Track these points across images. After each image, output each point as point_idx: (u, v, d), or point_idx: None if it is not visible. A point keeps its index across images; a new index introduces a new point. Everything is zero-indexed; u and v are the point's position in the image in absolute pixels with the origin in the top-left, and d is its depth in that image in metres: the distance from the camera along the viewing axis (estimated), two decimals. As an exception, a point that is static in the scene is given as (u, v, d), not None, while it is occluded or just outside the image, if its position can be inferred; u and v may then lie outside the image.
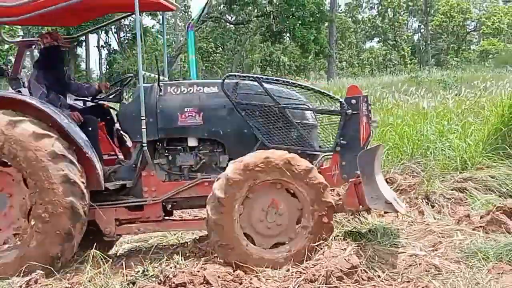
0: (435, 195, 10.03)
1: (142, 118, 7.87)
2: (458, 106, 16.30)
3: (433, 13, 76.96)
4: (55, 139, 7.48)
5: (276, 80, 8.44)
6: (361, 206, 7.34)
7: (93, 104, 9.10)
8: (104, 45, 65.16)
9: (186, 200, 8.21)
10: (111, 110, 9.16)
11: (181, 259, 7.02)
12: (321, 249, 6.84)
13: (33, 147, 7.38)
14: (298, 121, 8.13)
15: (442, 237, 7.91)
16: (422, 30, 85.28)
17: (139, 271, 6.58)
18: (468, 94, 18.11)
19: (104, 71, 62.45)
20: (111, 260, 7.13)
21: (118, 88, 8.84)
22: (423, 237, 8.15)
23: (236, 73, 8.91)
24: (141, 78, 7.96)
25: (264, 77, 8.53)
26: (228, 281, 6.18)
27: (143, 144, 7.91)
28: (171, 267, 6.71)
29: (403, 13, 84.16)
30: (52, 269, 7.25)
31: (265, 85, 8.12)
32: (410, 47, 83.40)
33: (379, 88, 22.04)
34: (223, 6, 42.74)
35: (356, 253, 6.67)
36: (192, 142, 8.23)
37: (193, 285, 6.01)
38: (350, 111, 7.84)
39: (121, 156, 8.77)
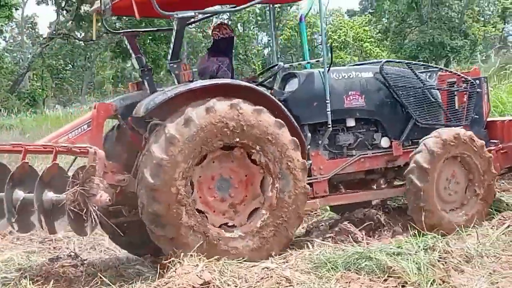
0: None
1: (327, 101, 8.70)
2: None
3: (282, 28, 78.43)
4: (286, 128, 7.96)
5: (416, 65, 10.26)
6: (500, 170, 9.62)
7: None
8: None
9: (346, 176, 9.10)
10: None
11: (29, 283, 6.82)
12: (174, 266, 6.81)
13: (275, 134, 7.81)
14: (436, 100, 9.59)
15: (293, 248, 8.04)
16: (271, 45, 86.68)
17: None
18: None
19: None
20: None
21: (270, 75, 9.29)
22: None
23: (391, 59, 11.15)
24: (325, 64, 8.79)
25: (413, 62, 10.45)
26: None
27: (328, 125, 8.72)
28: (19, 292, 6.51)
29: (253, 28, 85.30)
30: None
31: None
32: (260, 61, 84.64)
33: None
34: (71, 23, 42.02)
35: (208, 269, 6.67)
36: (350, 122, 9.16)
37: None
38: (479, 90, 9.82)
39: None
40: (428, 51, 48.06)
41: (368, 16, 71.52)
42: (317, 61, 9.45)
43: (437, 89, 9.67)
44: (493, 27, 61.04)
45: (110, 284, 7.05)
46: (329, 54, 8.87)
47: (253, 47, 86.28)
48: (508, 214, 8.84)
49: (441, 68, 10.56)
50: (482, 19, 62.04)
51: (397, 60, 10.36)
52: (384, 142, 9.29)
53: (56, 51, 55.70)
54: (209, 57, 8.89)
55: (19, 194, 6.86)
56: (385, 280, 6.45)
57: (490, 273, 6.53)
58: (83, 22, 40.81)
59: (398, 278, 6.41)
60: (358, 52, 69.81)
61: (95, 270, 7.52)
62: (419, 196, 8.52)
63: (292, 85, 9.06)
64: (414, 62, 11.19)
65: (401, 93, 9.34)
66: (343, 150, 9.07)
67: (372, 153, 9.16)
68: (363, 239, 8.24)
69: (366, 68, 9.56)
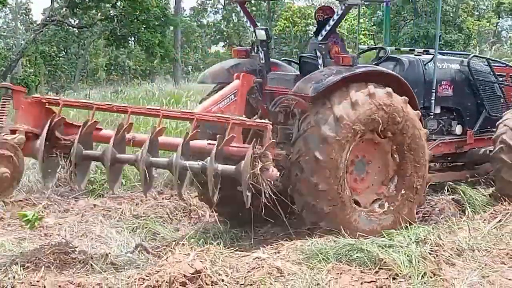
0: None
1: (433, 90, 9.77)
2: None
3: (276, 18, 78.27)
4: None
5: (490, 59, 11.61)
6: None
7: None
8: None
9: None
10: None
11: (20, 270, 6.79)
12: (165, 255, 6.80)
13: (418, 126, 8.54)
14: (502, 94, 10.98)
15: (285, 239, 8.04)
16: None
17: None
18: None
19: None
20: None
21: (375, 58, 10.17)
22: (267, 239, 8.27)
23: (476, 54, 13.05)
24: (436, 53, 9.97)
25: (492, 58, 12.14)
26: (69, 291, 6.03)
27: (431, 113, 9.87)
28: (9, 278, 6.47)
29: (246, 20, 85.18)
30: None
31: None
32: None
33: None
34: (66, 10, 41.81)
35: (200, 258, 6.66)
36: (437, 109, 10.05)
37: (33, 295, 5.84)
38: None
39: None
40: (422, 44, 47.93)
41: (363, 9, 71.49)
42: (425, 51, 10.84)
43: (502, 83, 11.08)
44: (487, 22, 60.96)
45: (101, 271, 7.04)
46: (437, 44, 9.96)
47: (247, 37, 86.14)
48: (500, 208, 8.86)
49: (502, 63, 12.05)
50: (477, 13, 61.97)
51: (482, 56, 12.27)
52: (458, 129, 10.44)
53: (50, 38, 55.31)
54: (317, 38, 9.02)
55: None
56: (376, 272, 6.46)
57: (481, 266, 6.55)
58: (78, 9, 40.57)
59: (389, 270, 6.42)
60: (352, 45, 69.76)
61: (86, 258, 7.48)
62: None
63: (396, 70, 9.60)
64: (493, 58, 12.89)
65: (480, 86, 10.65)
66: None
67: (449, 139, 10.26)
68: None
69: (454, 60, 10.78)
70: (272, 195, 7.17)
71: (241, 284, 6.35)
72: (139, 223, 9.05)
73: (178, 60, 54.20)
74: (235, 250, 7.46)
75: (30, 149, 7.33)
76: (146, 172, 7.18)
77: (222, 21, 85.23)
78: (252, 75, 9.08)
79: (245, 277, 6.51)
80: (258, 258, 7.00)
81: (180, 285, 6.01)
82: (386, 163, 8.67)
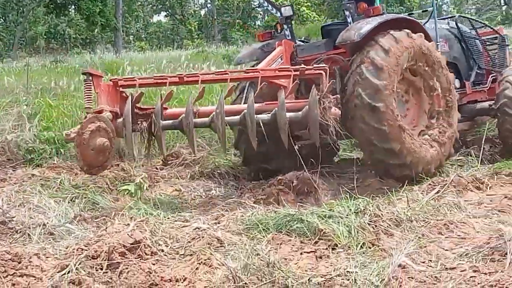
0: (220, 168, 10.18)
1: (437, 43, 10.82)
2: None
3: (219, -11, 77.88)
4: None
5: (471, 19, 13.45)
6: None
7: None
8: None
9: None
10: None
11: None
12: (104, 225, 6.75)
13: (444, 67, 10.04)
14: (486, 50, 12.33)
15: (225, 210, 8.05)
16: (208, 5, 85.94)
17: None
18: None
19: None
20: None
21: None
22: (207, 210, 8.26)
23: (463, 15, 14.74)
24: (435, 13, 11.19)
25: (473, 18, 13.79)
26: (6, 260, 5.91)
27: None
28: None
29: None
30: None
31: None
32: (197, 22, 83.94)
33: (166, 62, 21.95)
34: (4, -24, 40.97)
35: (139, 228, 6.62)
36: None
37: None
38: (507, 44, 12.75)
39: None
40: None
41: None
42: (424, 11, 12.49)
43: (486, 41, 12.49)
44: (428, -4, 61.69)
45: (39, 241, 6.96)
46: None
47: (189, 8, 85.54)
48: (438, 179, 8.99)
49: (485, 25, 13.89)
50: (418, -13, 62.59)
51: (467, 16, 14.12)
52: (457, 83, 11.21)
53: (-12, 5, 54.29)
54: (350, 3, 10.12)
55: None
56: (316, 242, 6.49)
57: (418, 237, 6.63)
58: (16, -24, 39.79)
59: (329, 240, 6.45)
60: (295, 17, 69.82)
61: (23, 227, 7.38)
62: None
63: None
64: (474, 18, 15.01)
65: (469, 43, 11.92)
66: None
67: None
68: (294, 202, 8.30)
69: (442, 21, 11.99)
70: (339, 131, 8.18)
71: (181, 254, 6.33)
72: (78, 193, 8.93)
73: (119, 29, 53.52)
74: (175, 221, 7.45)
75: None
76: (223, 131, 8.05)
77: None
78: (292, 42, 10.26)
79: (185, 247, 6.49)
80: (198, 228, 6.99)
81: (119, 255, 5.95)
82: (421, 100, 9.91)
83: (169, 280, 5.63)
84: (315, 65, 8.86)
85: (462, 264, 5.72)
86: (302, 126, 8.25)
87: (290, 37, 10.39)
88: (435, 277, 5.44)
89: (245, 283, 5.31)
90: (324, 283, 5.44)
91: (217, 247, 6.47)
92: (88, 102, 8.17)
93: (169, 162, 11.27)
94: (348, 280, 5.45)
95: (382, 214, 7.06)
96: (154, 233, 6.70)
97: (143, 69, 19.65)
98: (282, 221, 6.94)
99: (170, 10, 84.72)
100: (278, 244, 6.48)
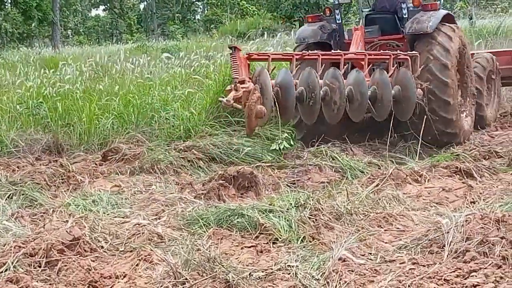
0: (160, 163, 10.11)
1: None
2: (181, 75, 16.55)
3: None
4: None
5: None
6: None
7: None
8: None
9: None
10: None
11: None
12: (42, 222, 6.65)
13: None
14: None
15: (166, 205, 8.00)
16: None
17: None
18: (193, 62, 18.37)
19: None
20: None
21: None
22: (147, 206, 8.20)
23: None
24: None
25: None
26: None
27: None
28: None
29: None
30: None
31: None
32: (136, 16, 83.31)
33: (105, 56, 21.76)
34: None
35: (78, 225, 6.54)
36: None
37: None
38: None
39: None
40: (303, 10, 48.41)
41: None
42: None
43: None
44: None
45: (-25, 240, 6.82)
46: None
47: (128, 1, 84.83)
48: (377, 173, 9.06)
49: None
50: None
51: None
52: None
53: None
54: None
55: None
56: (257, 236, 6.50)
57: (358, 230, 6.68)
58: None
59: (269, 235, 6.47)
60: (235, 10, 69.71)
61: (-42, 225, 7.23)
62: None
63: None
64: None
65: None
66: None
67: None
68: (235, 196, 8.30)
69: None
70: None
71: (121, 251, 6.29)
72: (15, 189, 8.77)
73: (57, 23, 52.76)
74: (115, 217, 7.39)
75: None
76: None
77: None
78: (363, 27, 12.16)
79: (125, 243, 6.46)
80: (138, 224, 6.96)
81: (58, 252, 5.88)
82: (462, 80, 11.87)
83: (108, 277, 5.58)
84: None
85: (401, 256, 5.79)
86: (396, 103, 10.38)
87: (340, 21, 12.27)
88: (375, 269, 5.49)
89: (186, 279, 5.28)
90: (265, 277, 5.45)
91: (158, 243, 6.45)
92: (235, 72, 9.15)
93: (108, 158, 11.13)
94: (289, 274, 5.47)
95: (322, 208, 7.09)
96: (94, 230, 6.65)
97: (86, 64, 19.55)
98: (223, 216, 6.94)
99: (108, 4, 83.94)
100: (219, 239, 6.48)
